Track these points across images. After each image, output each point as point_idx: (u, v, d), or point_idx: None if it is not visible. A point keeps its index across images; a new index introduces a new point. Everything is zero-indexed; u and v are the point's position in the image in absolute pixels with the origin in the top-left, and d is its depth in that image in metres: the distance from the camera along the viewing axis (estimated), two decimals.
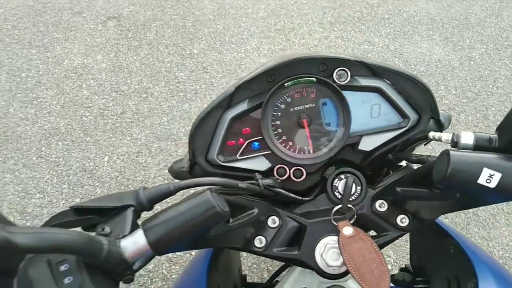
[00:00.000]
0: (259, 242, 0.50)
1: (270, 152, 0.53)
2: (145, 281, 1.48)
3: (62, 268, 0.36)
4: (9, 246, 0.29)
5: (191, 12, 2.49)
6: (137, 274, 1.46)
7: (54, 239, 0.32)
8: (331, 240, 0.50)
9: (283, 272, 0.77)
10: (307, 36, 2.39)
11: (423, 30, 2.45)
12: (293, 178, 0.53)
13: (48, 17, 2.44)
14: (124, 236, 0.39)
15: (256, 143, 0.54)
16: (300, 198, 0.52)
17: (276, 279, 0.78)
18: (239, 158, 0.53)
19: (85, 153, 1.80)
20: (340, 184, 0.52)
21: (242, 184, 0.47)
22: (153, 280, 1.49)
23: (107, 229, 0.40)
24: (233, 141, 0.54)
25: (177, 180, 0.48)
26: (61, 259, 0.36)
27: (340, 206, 0.50)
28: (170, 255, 1.53)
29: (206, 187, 0.44)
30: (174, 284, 0.63)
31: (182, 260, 1.53)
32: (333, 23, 2.49)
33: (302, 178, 0.53)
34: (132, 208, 0.42)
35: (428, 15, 2.57)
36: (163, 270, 1.51)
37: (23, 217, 1.63)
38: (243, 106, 0.52)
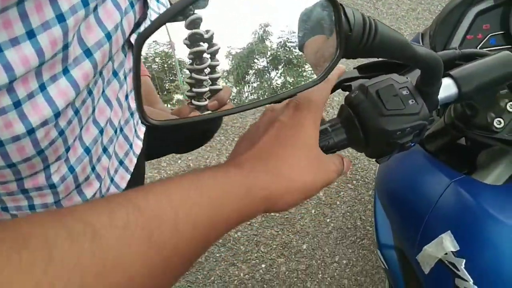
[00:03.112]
0: (499, 123, 0.56)
1: (509, 47, 0.59)
2: None
3: (404, 92, 0.43)
4: None
5: None
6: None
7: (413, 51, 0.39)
8: None
9: None
10: (395, 7, 2.41)
11: None
12: None
13: None
14: None
15: (493, 39, 0.59)
16: None
17: None
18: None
19: None
20: None
21: None
22: None
23: None
24: (472, 36, 0.60)
25: None
26: (402, 86, 0.43)
27: None
28: None
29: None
30: None
31: None
32: None
33: None
34: None
35: None
36: None
37: None
38: (489, 2, 0.58)
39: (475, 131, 0.58)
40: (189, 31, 0.34)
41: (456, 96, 0.47)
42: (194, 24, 0.34)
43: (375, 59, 0.55)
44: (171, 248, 0.26)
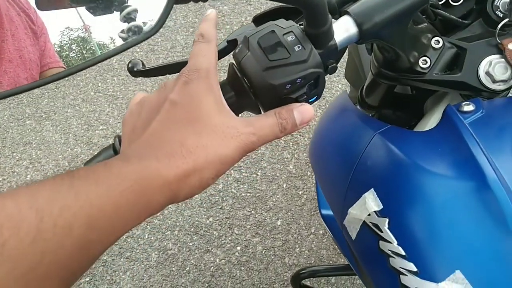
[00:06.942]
0: (424, 62, 0.51)
1: None
2: (217, 199, 1.53)
3: (289, 38, 0.37)
4: None
5: None
6: (207, 193, 1.50)
7: None
8: (494, 58, 0.50)
9: None
10: None
11: None
12: (451, 1, 0.53)
13: None
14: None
15: None
16: (460, 20, 0.52)
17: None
18: None
19: (141, 87, 1.82)
20: (501, 3, 0.51)
21: None
22: (224, 199, 1.53)
23: None
24: None
25: None
26: (286, 31, 0.37)
27: (506, 20, 0.50)
28: (237, 175, 1.57)
29: None
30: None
31: (249, 180, 1.57)
32: None
33: (459, 2, 0.53)
34: None
35: None
36: (232, 189, 1.55)
37: (90, 147, 1.69)
38: None
39: (404, 76, 0.52)
40: (127, 25, 0.32)
41: (358, 36, 0.41)
42: (131, 16, 0.32)
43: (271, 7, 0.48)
44: (33, 259, 0.23)
